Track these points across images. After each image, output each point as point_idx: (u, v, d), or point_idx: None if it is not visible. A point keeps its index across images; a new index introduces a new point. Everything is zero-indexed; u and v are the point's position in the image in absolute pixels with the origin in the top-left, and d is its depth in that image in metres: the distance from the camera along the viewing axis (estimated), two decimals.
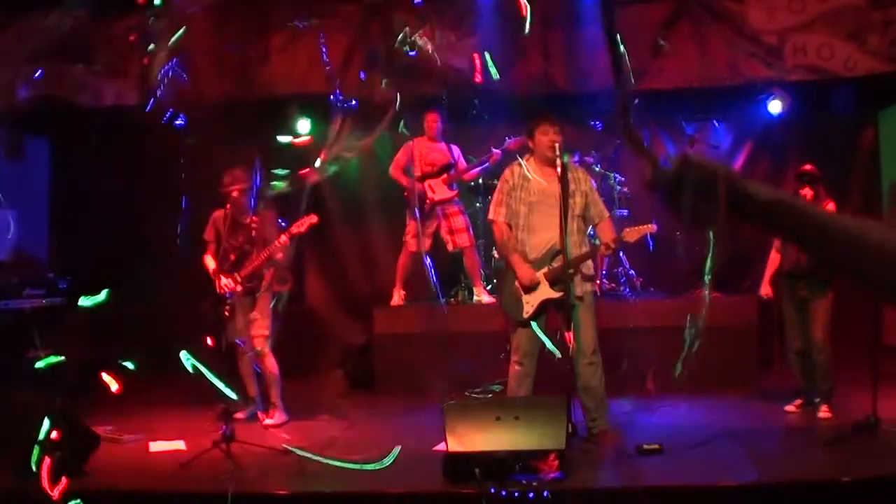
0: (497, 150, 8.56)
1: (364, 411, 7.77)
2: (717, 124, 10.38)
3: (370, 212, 10.36)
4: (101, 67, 9.43)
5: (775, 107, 9.75)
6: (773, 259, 7.20)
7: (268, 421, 7.34)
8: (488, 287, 8.78)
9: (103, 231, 10.14)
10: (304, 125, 9.96)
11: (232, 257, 7.36)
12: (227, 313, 7.18)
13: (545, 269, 6.20)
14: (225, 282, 7.28)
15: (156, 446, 6.60)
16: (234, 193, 7.32)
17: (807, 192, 6.82)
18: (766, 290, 7.30)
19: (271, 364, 7.37)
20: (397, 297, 8.76)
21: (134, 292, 10.06)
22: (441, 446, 5.67)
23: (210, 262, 7.37)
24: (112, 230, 10.16)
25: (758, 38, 9.22)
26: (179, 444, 6.61)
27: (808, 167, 7.02)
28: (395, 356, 8.42)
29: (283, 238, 7.13)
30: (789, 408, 7.09)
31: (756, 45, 9.23)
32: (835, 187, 10.13)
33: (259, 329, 7.35)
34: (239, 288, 7.30)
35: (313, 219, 7.19)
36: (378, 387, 8.41)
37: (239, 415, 7.38)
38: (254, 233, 7.42)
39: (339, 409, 7.76)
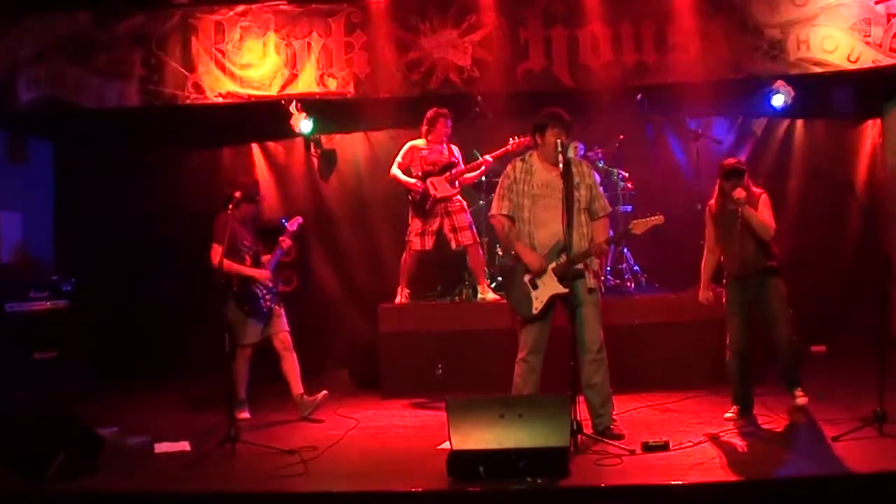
0: (488, 158, 8.55)
1: (369, 410, 7.77)
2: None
3: (374, 211, 10.36)
4: (103, 69, 9.42)
5: (779, 101, 9.72)
6: (707, 260, 7.01)
7: (322, 394, 7.53)
8: (493, 284, 8.75)
9: (107, 233, 10.15)
10: (306, 125, 9.94)
11: (248, 259, 7.43)
12: (278, 308, 7.56)
13: (553, 265, 6.19)
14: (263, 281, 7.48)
15: (161, 447, 6.58)
16: (241, 195, 7.33)
17: (740, 192, 6.61)
18: (706, 294, 7.07)
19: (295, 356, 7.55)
20: (401, 295, 8.73)
21: (140, 294, 10.13)
22: (446, 444, 5.66)
23: (235, 264, 7.33)
24: (116, 232, 10.16)
25: (761, 32, 9.21)
26: (184, 446, 6.60)
27: (731, 161, 6.87)
28: (400, 354, 8.40)
29: (286, 239, 7.56)
30: (728, 416, 6.78)
31: (759, 38, 9.22)
32: (839, 180, 10.21)
33: (285, 325, 7.57)
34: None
35: (299, 219, 7.73)
36: (383, 385, 8.39)
37: (243, 415, 7.39)
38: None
39: (344, 408, 7.76)
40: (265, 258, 7.65)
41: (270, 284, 7.51)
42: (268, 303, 7.45)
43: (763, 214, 6.72)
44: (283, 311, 7.62)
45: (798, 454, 5.88)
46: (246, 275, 7.39)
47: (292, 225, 7.61)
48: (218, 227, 7.28)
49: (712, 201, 7.00)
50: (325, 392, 7.54)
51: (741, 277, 6.81)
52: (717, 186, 6.95)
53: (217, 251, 7.09)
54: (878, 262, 9.42)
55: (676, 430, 6.35)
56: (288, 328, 7.57)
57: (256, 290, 7.42)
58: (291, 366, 7.48)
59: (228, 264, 7.12)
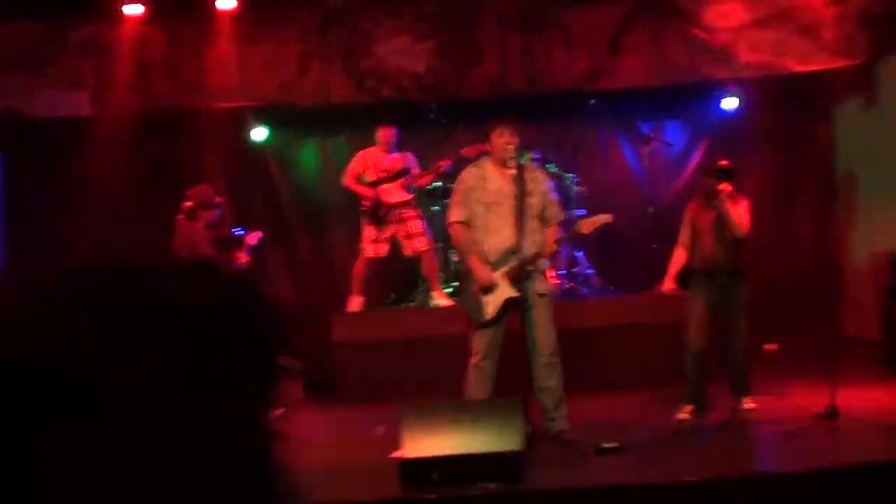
0: (447, 161, 8.50)
1: (324, 419, 7.72)
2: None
3: (329, 218, 10.32)
4: (55, 78, 9.31)
5: (730, 103, 9.82)
6: (678, 256, 7.04)
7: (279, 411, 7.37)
8: (447, 290, 8.73)
9: (60, 244, 10.01)
10: (260, 133, 9.90)
11: None
12: None
13: (505, 269, 6.18)
14: None
15: None
16: (202, 208, 7.28)
17: (725, 186, 6.75)
18: (669, 285, 7.04)
19: None
20: (355, 303, 8.69)
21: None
22: (400, 452, 5.63)
23: None
24: (68, 243, 10.02)
25: (712, 36, 9.27)
26: None
27: (724, 163, 6.96)
28: (355, 362, 8.36)
29: (244, 255, 7.52)
30: (681, 416, 6.77)
31: (711, 42, 9.28)
32: (791, 182, 10.32)
33: None
34: None
35: (259, 234, 7.63)
36: (338, 394, 8.35)
37: None
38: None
39: (298, 417, 7.67)
40: None
41: None
42: None
43: (741, 214, 6.79)
44: None
45: (752, 452, 5.95)
46: None
47: (252, 239, 7.49)
48: (177, 237, 7.21)
49: (694, 202, 7.06)
50: (283, 409, 7.43)
51: (710, 275, 6.85)
52: (701, 187, 7.02)
53: None
54: (829, 262, 9.56)
55: (629, 432, 6.34)
56: None
57: None
58: None
59: None
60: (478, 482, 5.23)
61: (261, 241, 7.61)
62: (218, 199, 7.53)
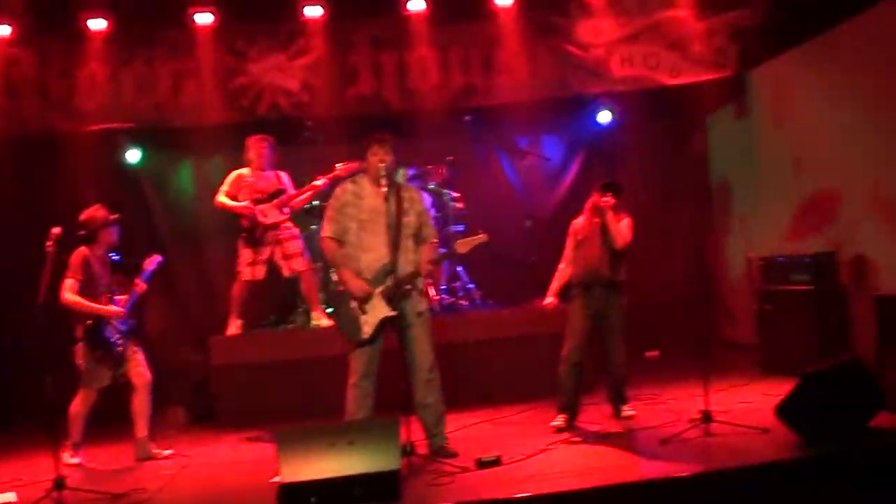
0: (323, 180, 8.39)
1: (204, 446, 7.54)
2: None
3: (205, 241, 10.14)
4: None
5: (605, 117, 9.99)
6: (563, 272, 7.16)
7: (167, 451, 7.20)
8: (328, 310, 8.64)
9: None
10: (134, 154, 9.67)
11: (106, 297, 7.06)
12: (130, 352, 7.13)
13: (381, 288, 6.15)
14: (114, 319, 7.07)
15: None
16: (101, 229, 7.06)
17: (609, 199, 6.88)
18: (550, 300, 7.12)
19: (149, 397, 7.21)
20: (234, 326, 8.52)
21: None
22: (278, 477, 5.53)
23: (85, 301, 6.96)
24: None
25: (585, 51, 9.43)
26: (11, 497, 6.24)
27: (612, 180, 7.10)
28: (235, 386, 8.21)
29: (141, 283, 7.19)
30: (555, 423, 6.90)
31: (584, 58, 9.44)
32: (668, 191, 10.56)
33: (143, 362, 7.20)
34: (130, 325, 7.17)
35: (158, 258, 7.35)
36: (218, 419, 8.19)
37: (73, 459, 7.05)
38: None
39: (178, 444, 7.48)
40: (120, 298, 7.19)
41: (123, 322, 7.10)
42: (120, 348, 7.09)
43: (621, 228, 6.91)
44: (139, 348, 7.22)
45: (629, 460, 5.99)
46: (96, 313, 7.03)
47: (150, 265, 7.24)
48: (72, 261, 6.95)
49: (579, 219, 7.15)
50: (172, 451, 7.24)
51: (590, 286, 6.96)
52: (589, 203, 7.08)
53: (69, 286, 6.83)
54: (706, 268, 9.77)
55: (510, 444, 6.38)
56: (146, 366, 7.20)
57: (108, 335, 7.05)
58: (142, 405, 7.13)
59: (76, 302, 6.85)
60: None
61: (160, 265, 7.35)
62: (114, 217, 7.27)
